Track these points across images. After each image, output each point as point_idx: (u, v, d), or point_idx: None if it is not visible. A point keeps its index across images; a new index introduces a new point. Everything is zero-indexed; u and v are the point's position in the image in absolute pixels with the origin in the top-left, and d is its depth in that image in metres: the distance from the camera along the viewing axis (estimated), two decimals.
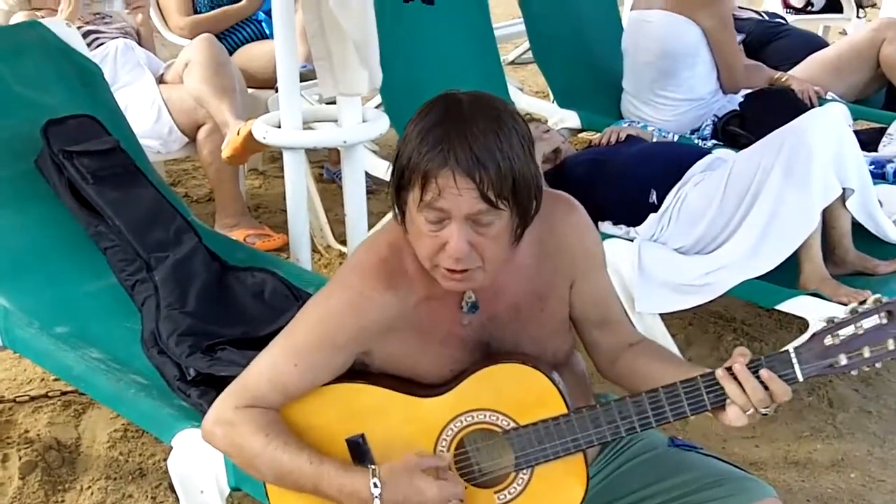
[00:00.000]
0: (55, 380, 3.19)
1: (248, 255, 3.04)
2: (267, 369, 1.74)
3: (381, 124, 3.04)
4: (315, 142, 3.07)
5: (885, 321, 1.59)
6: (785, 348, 1.66)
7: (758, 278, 3.08)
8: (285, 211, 4.55)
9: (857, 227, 3.26)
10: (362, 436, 1.74)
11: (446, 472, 1.70)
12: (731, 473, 1.88)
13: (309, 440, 1.73)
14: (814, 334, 1.65)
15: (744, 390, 1.61)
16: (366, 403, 1.75)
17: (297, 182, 3.07)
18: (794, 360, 1.63)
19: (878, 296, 1.64)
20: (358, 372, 1.77)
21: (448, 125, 1.55)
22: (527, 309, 1.79)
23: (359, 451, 1.74)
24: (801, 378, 1.63)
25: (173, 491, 2.68)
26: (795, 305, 3.03)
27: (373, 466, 1.67)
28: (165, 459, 2.78)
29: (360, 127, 2.99)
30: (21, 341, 2.52)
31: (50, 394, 3.11)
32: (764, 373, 1.62)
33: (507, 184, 1.54)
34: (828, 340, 1.63)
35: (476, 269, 1.62)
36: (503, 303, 1.77)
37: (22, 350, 2.57)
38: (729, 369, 1.64)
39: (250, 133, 3.46)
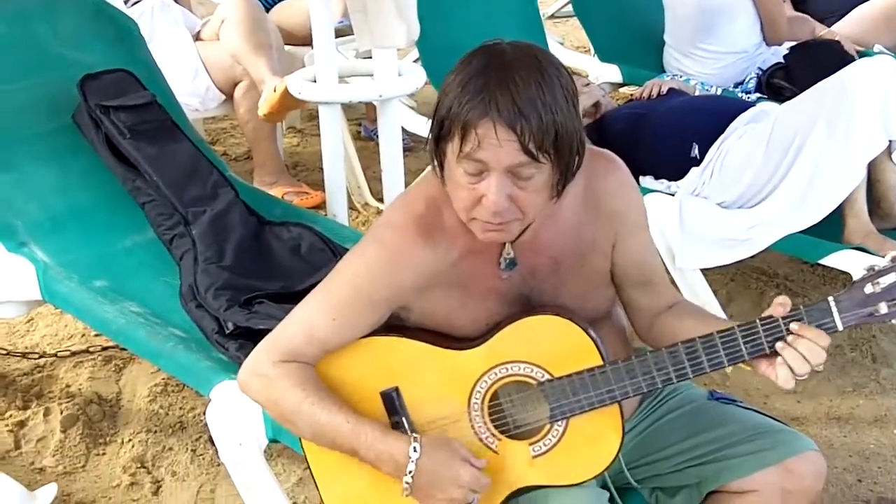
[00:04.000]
0: (96, 335, 3.23)
1: (285, 210, 3.03)
2: (304, 324, 1.73)
3: (418, 78, 3.01)
4: (350, 96, 3.04)
5: None
6: (825, 298, 1.63)
7: (801, 232, 3.04)
8: (323, 169, 4.59)
9: None
10: (396, 389, 1.74)
11: (481, 467, 1.68)
12: (771, 426, 1.86)
13: (343, 393, 1.72)
14: (854, 283, 1.63)
15: (804, 356, 1.58)
16: (400, 357, 1.75)
17: (334, 137, 3.05)
18: (834, 309, 1.60)
19: None
20: (393, 326, 1.76)
21: (489, 75, 1.51)
22: (567, 264, 1.76)
23: (393, 405, 1.74)
24: (840, 327, 1.61)
25: (213, 444, 2.71)
26: (840, 259, 2.99)
27: (414, 434, 1.67)
28: (205, 413, 2.81)
29: (397, 80, 2.96)
30: (60, 296, 2.53)
31: (91, 349, 3.15)
32: (794, 326, 1.59)
33: (549, 136, 1.51)
34: (868, 289, 1.60)
35: (513, 221, 1.60)
36: (543, 257, 1.75)
37: (62, 304, 2.59)
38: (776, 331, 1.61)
39: (287, 90, 3.45)
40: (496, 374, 1.71)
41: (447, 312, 1.75)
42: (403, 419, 1.73)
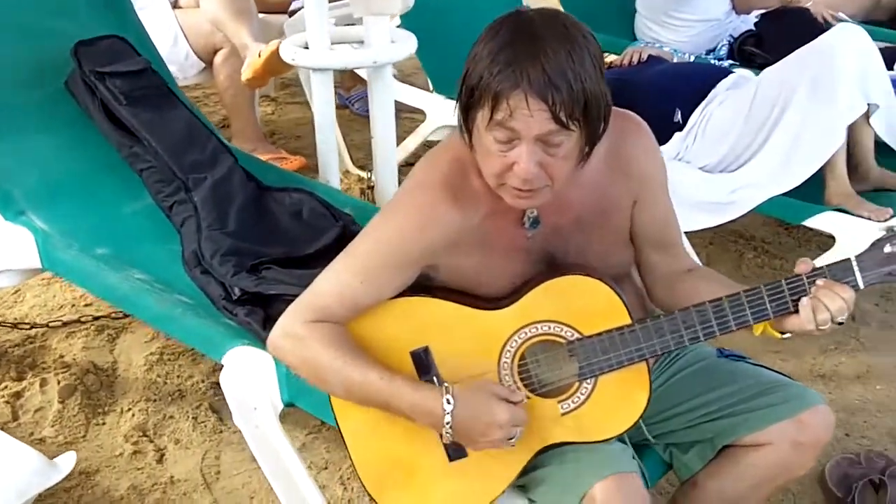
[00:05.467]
0: (86, 305, 3.21)
1: (282, 176, 3.02)
2: (334, 285, 1.74)
3: (410, 44, 3.01)
4: (345, 62, 3.03)
5: None
6: (846, 257, 1.67)
7: (783, 195, 3.10)
8: (300, 137, 4.58)
9: (878, 144, 3.29)
10: (426, 348, 1.76)
11: (518, 402, 1.71)
12: (782, 381, 1.92)
13: (373, 353, 1.74)
14: (874, 243, 1.67)
15: (824, 303, 1.63)
16: (430, 317, 1.77)
17: (326, 104, 3.04)
18: (856, 268, 1.65)
19: None
20: (422, 286, 1.78)
21: (519, 45, 1.52)
22: (590, 222, 1.79)
23: (422, 364, 1.76)
24: (862, 285, 1.65)
25: (214, 411, 2.73)
26: (822, 221, 3.08)
27: (446, 384, 1.69)
28: (203, 381, 2.83)
29: (391, 47, 2.96)
30: (62, 263, 2.51)
31: (83, 319, 3.12)
32: (819, 282, 1.64)
33: (579, 104, 1.53)
34: (887, 248, 1.65)
35: (543, 188, 1.62)
36: (567, 216, 1.78)
37: (64, 272, 2.57)
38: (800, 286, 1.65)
39: (272, 55, 3.45)
40: (526, 333, 1.74)
41: (473, 272, 1.77)
42: (434, 378, 1.75)
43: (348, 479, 2.53)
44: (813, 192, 3.14)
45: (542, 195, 1.64)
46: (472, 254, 1.75)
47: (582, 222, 1.79)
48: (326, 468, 2.56)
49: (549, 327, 1.74)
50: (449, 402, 1.66)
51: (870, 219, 3.01)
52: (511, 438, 1.69)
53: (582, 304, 1.73)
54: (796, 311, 1.66)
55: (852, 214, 3.05)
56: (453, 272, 1.78)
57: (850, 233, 3.00)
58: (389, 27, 3.00)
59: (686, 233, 3.19)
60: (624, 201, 1.84)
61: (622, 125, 1.79)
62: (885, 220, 2.98)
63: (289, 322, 1.75)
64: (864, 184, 3.25)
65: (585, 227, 1.80)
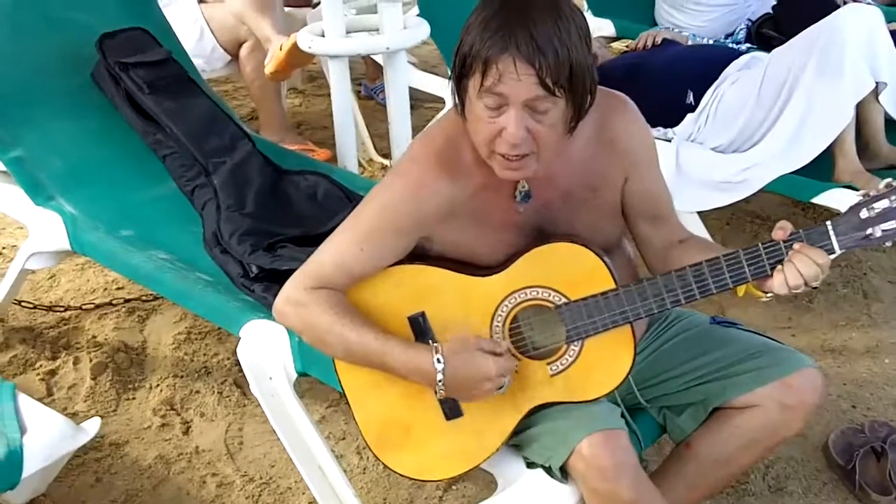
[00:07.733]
0: (118, 289, 3.35)
1: (300, 161, 3.13)
2: (334, 254, 1.85)
3: (423, 30, 3.10)
4: (358, 48, 3.13)
5: None
6: (823, 222, 1.73)
7: (793, 173, 3.14)
8: (327, 127, 4.67)
9: (889, 122, 3.31)
10: (423, 314, 1.85)
11: (503, 353, 1.80)
12: (771, 346, 1.99)
13: (373, 318, 1.84)
14: (850, 207, 1.71)
15: (798, 269, 1.69)
16: (426, 283, 1.86)
17: (343, 90, 3.14)
18: (832, 233, 1.71)
19: None
20: (418, 255, 1.88)
21: (509, 13, 1.61)
22: (578, 197, 1.87)
23: (419, 328, 1.85)
24: (837, 250, 1.71)
25: (238, 386, 2.84)
26: (830, 198, 3.10)
27: (435, 344, 1.79)
28: (229, 358, 2.95)
29: (403, 33, 3.05)
30: (89, 245, 2.64)
31: (114, 301, 3.26)
32: (796, 246, 1.70)
33: (565, 71, 1.61)
34: (863, 213, 1.69)
35: (531, 157, 1.69)
36: (556, 190, 1.85)
37: (90, 253, 2.70)
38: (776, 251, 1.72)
39: (294, 47, 3.55)
40: (516, 298, 1.83)
41: (467, 243, 1.86)
42: (430, 342, 1.83)
43: (364, 448, 2.63)
44: (823, 170, 3.18)
45: (529, 165, 1.71)
46: (466, 227, 1.84)
47: (571, 197, 1.87)
48: (344, 438, 2.67)
49: (538, 292, 1.82)
50: (439, 362, 1.75)
51: None
52: (500, 388, 1.79)
53: (568, 270, 1.81)
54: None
55: None
56: (448, 243, 1.87)
57: None
58: (404, 15, 3.09)
59: (701, 213, 3.29)
60: (613, 178, 1.91)
61: (609, 103, 1.87)
62: None
63: (291, 289, 1.86)
64: (875, 161, 3.28)
65: (574, 202, 1.87)
